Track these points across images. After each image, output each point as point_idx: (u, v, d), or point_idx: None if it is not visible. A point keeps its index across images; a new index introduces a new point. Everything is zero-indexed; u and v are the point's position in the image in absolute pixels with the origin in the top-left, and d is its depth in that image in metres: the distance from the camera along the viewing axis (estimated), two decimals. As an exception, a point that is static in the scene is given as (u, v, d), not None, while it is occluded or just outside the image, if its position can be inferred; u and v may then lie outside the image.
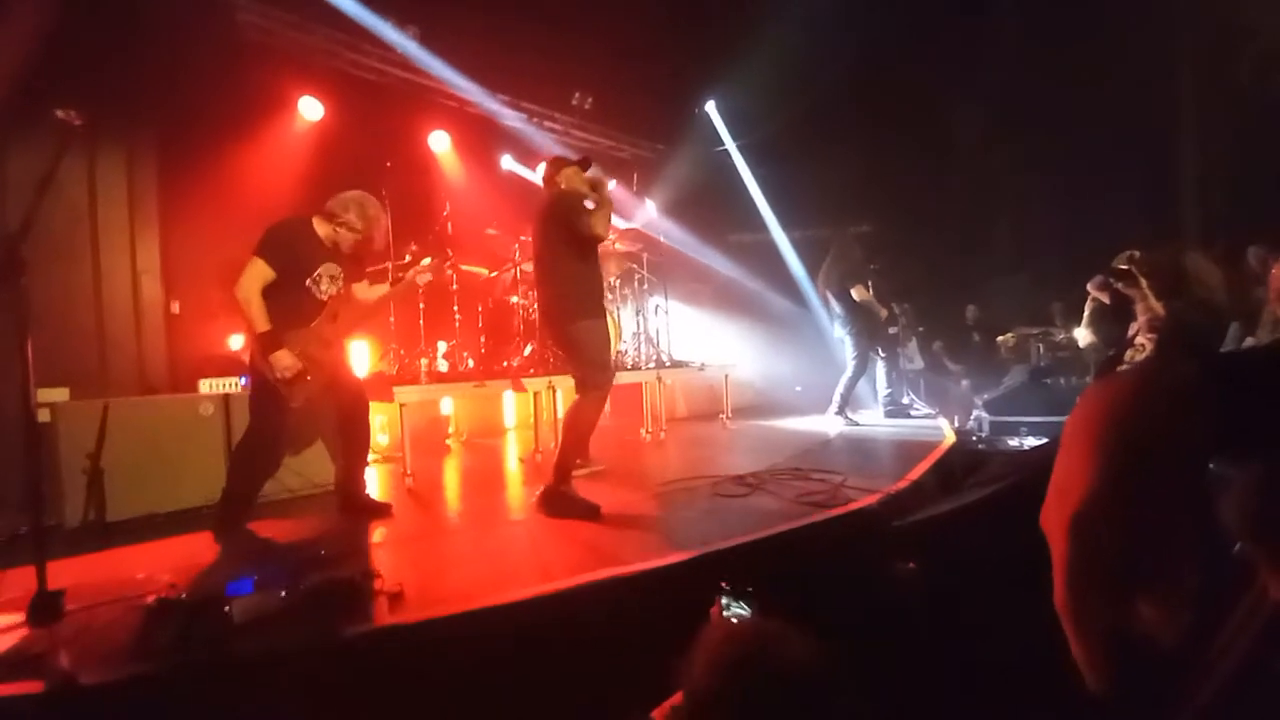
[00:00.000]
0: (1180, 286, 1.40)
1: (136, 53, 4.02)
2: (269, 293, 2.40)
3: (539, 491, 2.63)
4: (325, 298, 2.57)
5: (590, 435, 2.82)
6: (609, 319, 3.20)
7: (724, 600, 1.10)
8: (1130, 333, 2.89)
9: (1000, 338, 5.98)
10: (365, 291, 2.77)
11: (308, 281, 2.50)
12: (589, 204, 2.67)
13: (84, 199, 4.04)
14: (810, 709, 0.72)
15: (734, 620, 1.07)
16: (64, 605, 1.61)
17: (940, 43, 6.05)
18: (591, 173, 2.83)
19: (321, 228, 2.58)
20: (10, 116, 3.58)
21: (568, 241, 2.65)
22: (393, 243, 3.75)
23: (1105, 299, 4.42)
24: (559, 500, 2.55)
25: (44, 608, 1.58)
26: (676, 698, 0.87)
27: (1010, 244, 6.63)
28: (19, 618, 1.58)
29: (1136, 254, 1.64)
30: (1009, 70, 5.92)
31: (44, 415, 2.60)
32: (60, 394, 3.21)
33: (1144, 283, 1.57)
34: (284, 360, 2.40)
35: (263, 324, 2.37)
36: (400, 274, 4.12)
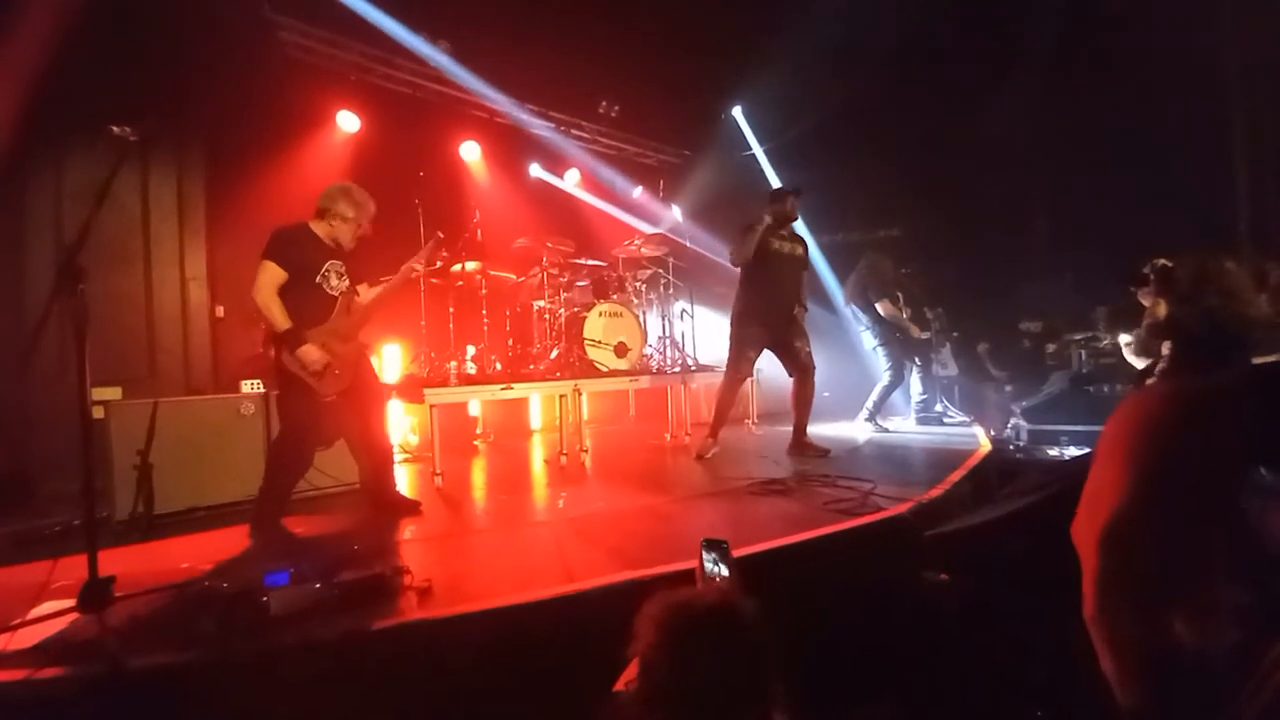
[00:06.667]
0: (1193, 292, 1.31)
1: (185, 72, 4.24)
2: (283, 294, 2.48)
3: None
4: (336, 294, 2.64)
5: (726, 408, 3.90)
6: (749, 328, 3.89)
7: (704, 558, 1.10)
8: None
9: (1050, 346, 5.78)
10: (365, 293, 2.81)
11: (317, 278, 2.58)
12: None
13: (138, 211, 4.26)
14: (744, 661, 0.83)
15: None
16: (113, 592, 1.68)
17: (976, 39, 5.91)
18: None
19: (318, 227, 2.66)
20: (69, 133, 3.82)
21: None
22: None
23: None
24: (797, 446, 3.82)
25: (94, 594, 1.65)
26: (631, 668, 0.90)
27: (1050, 246, 6.40)
28: (70, 603, 1.66)
29: (1163, 261, 1.57)
30: (1049, 68, 5.74)
31: (98, 412, 2.74)
32: (114, 393, 3.38)
33: (1153, 285, 1.50)
34: (312, 354, 2.47)
35: (284, 323, 2.46)
36: (436, 276, 4.24)
